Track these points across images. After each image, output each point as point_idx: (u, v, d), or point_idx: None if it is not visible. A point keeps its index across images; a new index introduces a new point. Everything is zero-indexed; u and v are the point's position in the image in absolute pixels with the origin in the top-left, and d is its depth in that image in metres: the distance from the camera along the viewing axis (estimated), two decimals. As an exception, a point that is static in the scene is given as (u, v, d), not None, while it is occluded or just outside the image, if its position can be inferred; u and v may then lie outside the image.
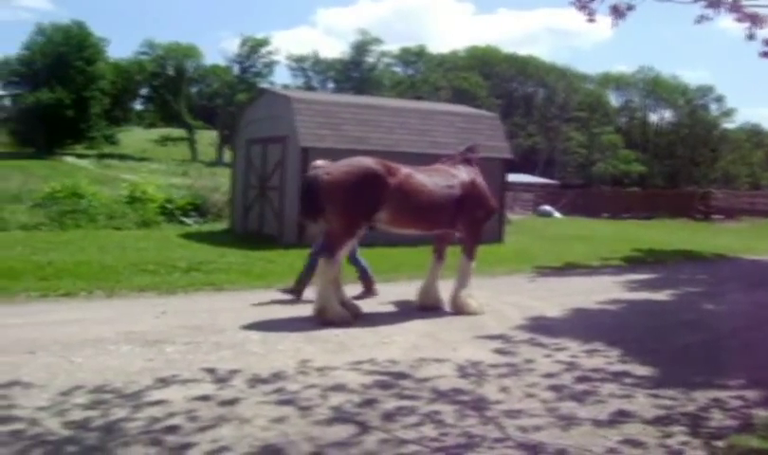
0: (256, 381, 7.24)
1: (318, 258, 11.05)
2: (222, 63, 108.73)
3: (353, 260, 12.35)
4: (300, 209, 10.94)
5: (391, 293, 12.64)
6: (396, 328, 10.07)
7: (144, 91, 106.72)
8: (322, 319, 10.19)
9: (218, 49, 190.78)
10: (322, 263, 10.45)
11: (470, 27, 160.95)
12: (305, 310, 10.96)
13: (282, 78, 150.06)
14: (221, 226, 24.48)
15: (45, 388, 6.75)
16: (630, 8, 12.09)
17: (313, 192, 10.41)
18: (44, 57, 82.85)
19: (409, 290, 12.35)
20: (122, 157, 77.68)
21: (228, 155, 75.92)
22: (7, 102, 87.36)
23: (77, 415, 6.06)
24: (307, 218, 10.90)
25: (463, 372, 7.88)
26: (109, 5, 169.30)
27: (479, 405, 6.72)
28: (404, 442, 5.72)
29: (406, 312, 11.31)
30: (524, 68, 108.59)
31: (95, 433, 5.70)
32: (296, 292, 12.04)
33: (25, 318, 9.97)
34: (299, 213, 11.06)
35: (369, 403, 6.65)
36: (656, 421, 6.43)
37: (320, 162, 11.12)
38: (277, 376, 7.43)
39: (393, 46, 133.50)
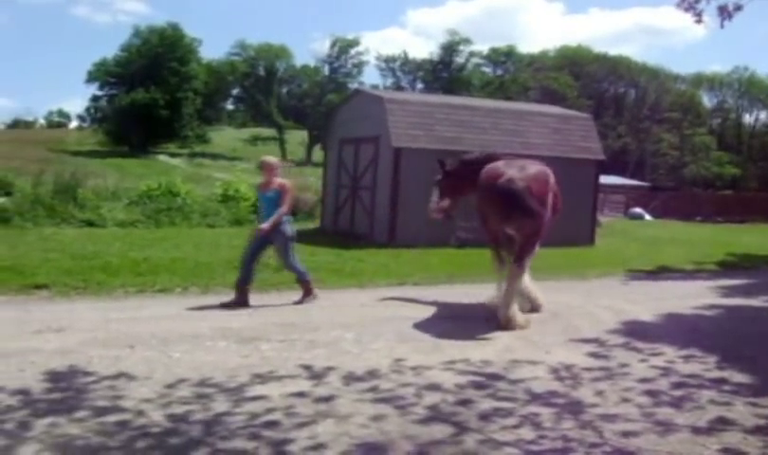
0: (351, 379, 7.31)
1: (252, 265, 11.33)
2: (312, 63, 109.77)
3: (291, 267, 11.64)
4: (499, 215, 10.53)
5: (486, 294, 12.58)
6: (488, 328, 10.02)
7: (235, 91, 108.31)
8: (508, 327, 10.14)
9: (308, 50, 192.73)
10: (514, 270, 10.42)
11: (560, 27, 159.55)
12: (398, 310, 11.12)
13: (371, 78, 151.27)
14: (312, 224, 24.71)
15: (149, 380, 6.98)
16: (738, 8, 11.74)
17: (514, 199, 10.25)
18: (140, 58, 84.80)
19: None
20: (214, 156, 79.09)
21: (317, 155, 76.64)
22: (104, 102, 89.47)
23: (180, 408, 6.24)
24: (503, 224, 10.52)
25: (557, 374, 7.82)
26: (203, 6, 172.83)
27: (575, 408, 6.66)
28: (501, 444, 5.70)
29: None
30: (615, 68, 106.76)
31: (197, 426, 5.85)
32: (239, 303, 11.14)
33: (123, 313, 10.26)
34: (499, 220, 10.58)
35: (464, 403, 6.66)
36: (757, 430, 6.26)
37: (269, 158, 11.65)
38: (372, 375, 7.49)
39: (482, 46, 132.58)
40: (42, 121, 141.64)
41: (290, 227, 11.45)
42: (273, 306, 11.23)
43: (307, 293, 11.61)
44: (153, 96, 79.98)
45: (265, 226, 11.07)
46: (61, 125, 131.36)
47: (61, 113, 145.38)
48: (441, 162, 12.21)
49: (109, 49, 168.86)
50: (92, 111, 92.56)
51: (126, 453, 5.32)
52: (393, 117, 20.17)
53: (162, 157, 73.20)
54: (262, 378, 7.21)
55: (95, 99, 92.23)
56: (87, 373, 7.17)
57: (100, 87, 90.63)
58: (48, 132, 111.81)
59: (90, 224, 20.74)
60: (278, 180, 11.47)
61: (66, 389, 6.68)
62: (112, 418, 5.95)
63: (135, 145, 77.30)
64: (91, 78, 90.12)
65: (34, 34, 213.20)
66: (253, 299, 11.49)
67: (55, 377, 7.04)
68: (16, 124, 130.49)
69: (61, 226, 20.06)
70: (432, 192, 12.15)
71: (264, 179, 11.64)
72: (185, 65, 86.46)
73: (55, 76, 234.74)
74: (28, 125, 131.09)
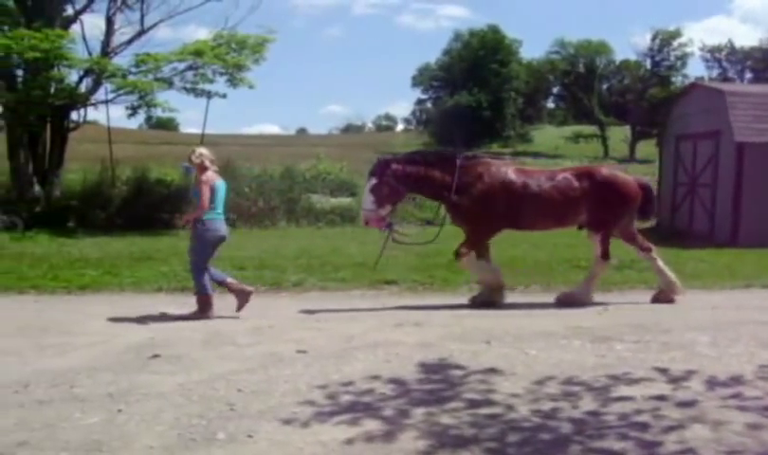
0: (714, 384, 7.03)
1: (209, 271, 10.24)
2: (633, 57, 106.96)
3: (192, 271, 10.33)
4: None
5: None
6: None
7: (556, 89, 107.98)
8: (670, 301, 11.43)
9: (629, 44, 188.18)
10: (656, 258, 11.84)
11: None
12: (751, 313, 10.60)
13: (695, 70, 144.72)
14: (647, 223, 23.97)
15: (513, 376, 7.15)
16: None
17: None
18: (461, 61, 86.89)
19: None
20: (536, 155, 79.24)
21: (642, 151, 74.71)
22: (428, 105, 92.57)
23: (548, 404, 6.33)
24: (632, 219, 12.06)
25: None
26: (522, 7, 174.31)
27: None
28: None
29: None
30: None
31: (567, 424, 5.90)
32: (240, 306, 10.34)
33: (479, 310, 10.69)
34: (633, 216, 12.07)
35: None
36: None
37: (192, 151, 10.38)
38: (736, 381, 7.16)
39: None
40: (370, 125, 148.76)
41: (212, 231, 10.08)
42: (619, 306, 11.10)
43: (201, 310, 10.11)
44: (476, 97, 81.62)
45: (185, 219, 10.30)
46: (388, 128, 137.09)
47: (388, 116, 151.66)
48: (380, 161, 11.30)
49: (432, 54, 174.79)
50: (417, 114, 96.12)
51: (498, 446, 5.46)
52: (735, 110, 19.20)
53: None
54: (622, 379, 7.13)
55: (419, 102, 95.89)
56: (455, 366, 7.51)
57: (425, 91, 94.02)
58: (376, 135, 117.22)
59: (428, 222, 21.46)
60: (203, 175, 10.12)
61: (437, 380, 7.02)
62: (483, 411, 6.15)
63: (458, 145, 79.18)
64: (416, 82, 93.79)
65: (364, 44, 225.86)
66: (597, 298, 11.35)
67: (424, 369, 7.42)
68: (348, 129, 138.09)
69: (401, 224, 20.90)
70: (367, 197, 11.20)
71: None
72: (506, 66, 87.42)
73: (382, 82, 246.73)
74: (358, 129, 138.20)
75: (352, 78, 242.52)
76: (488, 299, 11.09)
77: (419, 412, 6.11)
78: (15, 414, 6.17)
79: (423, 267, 13.74)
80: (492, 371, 7.30)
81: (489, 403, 6.35)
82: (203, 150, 10.40)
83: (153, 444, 5.51)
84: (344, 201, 23.19)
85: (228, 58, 22.16)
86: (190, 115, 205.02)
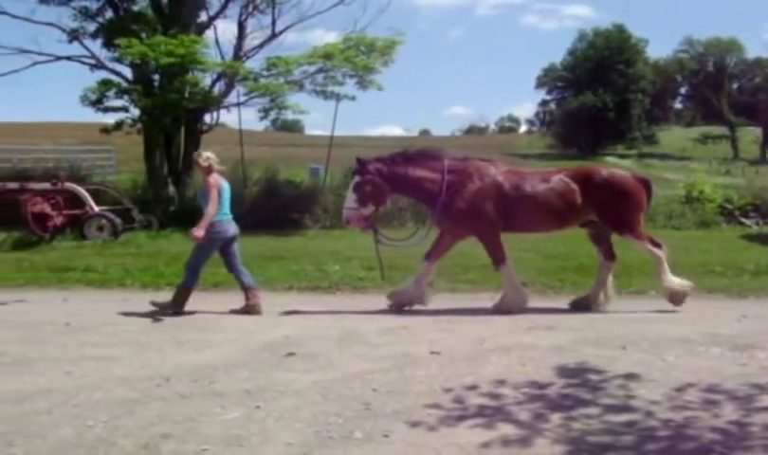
0: None
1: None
2: (765, 55, 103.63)
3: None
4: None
5: None
6: None
7: (683, 89, 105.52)
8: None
9: (762, 41, 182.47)
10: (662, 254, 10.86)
11: None
12: None
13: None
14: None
15: (651, 382, 6.99)
16: None
17: None
18: (586, 62, 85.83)
19: None
20: (662, 157, 77.54)
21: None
22: (552, 106, 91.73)
23: (688, 413, 6.16)
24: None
25: None
26: (649, 5, 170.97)
27: None
28: None
29: None
30: None
31: (709, 433, 5.73)
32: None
33: (612, 314, 10.52)
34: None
35: None
36: None
37: (197, 154, 10.81)
38: None
39: None
40: (493, 127, 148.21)
41: (222, 233, 10.69)
42: (758, 313, 10.63)
43: (176, 301, 10.69)
44: (600, 98, 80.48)
45: (198, 233, 10.36)
46: (511, 130, 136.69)
47: (511, 118, 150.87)
48: (360, 160, 10.81)
49: (556, 54, 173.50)
50: (540, 115, 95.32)
51: (637, 454, 5.37)
52: None
53: (611, 159, 73.24)
54: (766, 388, 6.84)
55: (543, 103, 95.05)
56: (590, 371, 7.41)
57: (549, 92, 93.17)
58: (500, 136, 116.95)
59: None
60: (209, 178, 10.64)
61: (573, 385, 6.95)
62: (620, 417, 6.05)
63: (583, 147, 78.21)
64: (540, 83, 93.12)
65: (487, 45, 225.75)
66: (730, 305, 11.02)
67: (560, 373, 7.37)
68: (471, 130, 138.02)
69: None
70: (349, 195, 10.73)
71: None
72: (631, 66, 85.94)
73: (506, 83, 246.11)
74: (481, 131, 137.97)
75: (475, 79, 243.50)
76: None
77: (555, 417, 6.06)
78: (158, 407, 6.41)
79: (552, 270, 13.61)
80: (629, 376, 7.16)
81: (627, 409, 6.24)
82: (209, 153, 10.92)
83: (291, 440, 5.64)
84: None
85: (358, 60, 22.48)
86: (315, 117, 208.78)
